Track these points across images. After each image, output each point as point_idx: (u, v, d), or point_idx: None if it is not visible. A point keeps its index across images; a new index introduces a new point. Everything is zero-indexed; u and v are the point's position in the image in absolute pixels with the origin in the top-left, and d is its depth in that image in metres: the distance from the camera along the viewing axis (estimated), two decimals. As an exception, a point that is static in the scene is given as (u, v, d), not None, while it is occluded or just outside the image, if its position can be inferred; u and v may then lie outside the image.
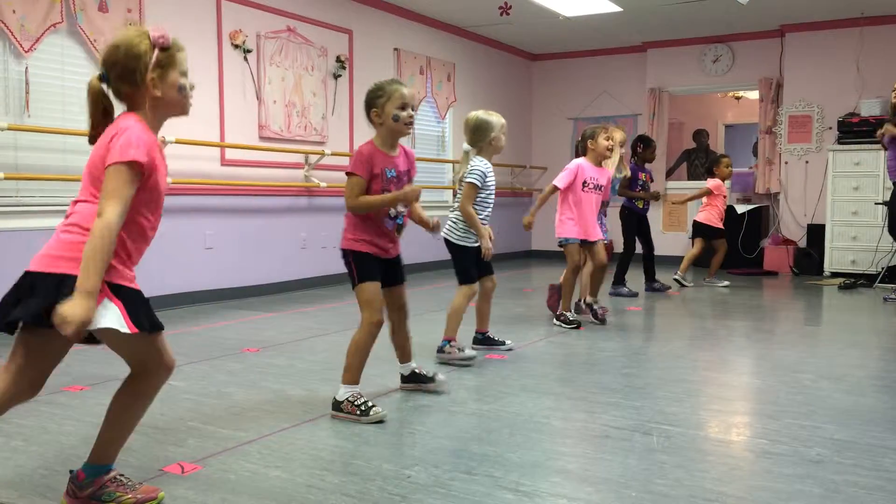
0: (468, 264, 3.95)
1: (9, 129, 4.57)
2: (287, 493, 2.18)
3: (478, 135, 3.95)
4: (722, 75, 9.28)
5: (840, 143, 8.00)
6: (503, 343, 4.20)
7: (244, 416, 2.93)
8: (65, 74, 5.05)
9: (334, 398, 2.96)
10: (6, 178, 4.58)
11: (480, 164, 3.94)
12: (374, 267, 2.99)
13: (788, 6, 7.85)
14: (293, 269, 6.76)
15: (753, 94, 10.04)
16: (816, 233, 8.26)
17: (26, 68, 4.81)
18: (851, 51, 8.34)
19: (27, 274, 1.95)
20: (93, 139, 2.05)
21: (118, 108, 2.08)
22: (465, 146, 4.01)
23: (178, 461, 2.44)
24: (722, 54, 9.22)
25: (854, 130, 7.90)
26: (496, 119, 3.96)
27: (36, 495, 2.16)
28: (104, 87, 2.04)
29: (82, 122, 5.12)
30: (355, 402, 2.90)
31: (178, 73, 2.06)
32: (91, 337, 2.00)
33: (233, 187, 6.05)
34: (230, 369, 3.74)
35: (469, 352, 3.92)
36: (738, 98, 11.25)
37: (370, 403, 2.90)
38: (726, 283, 7.29)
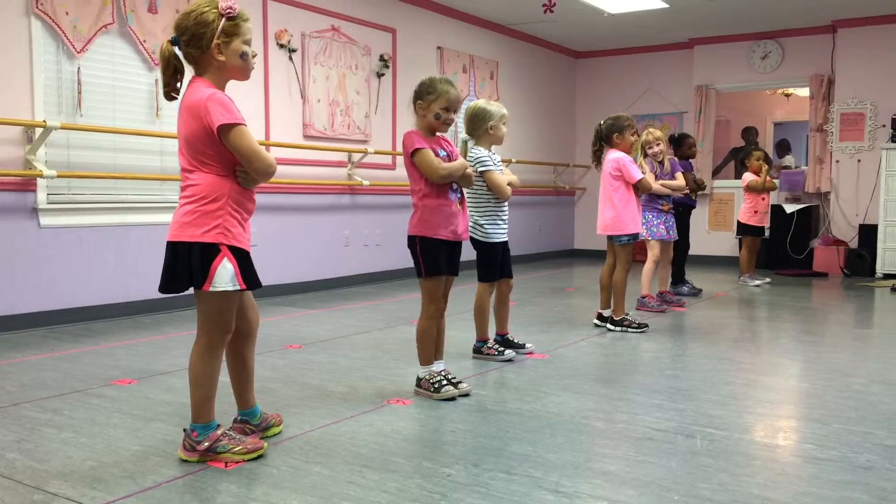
0: (491, 262, 3.93)
1: (62, 128, 4.68)
2: (328, 489, 2.20)
3: (474, 123, 3.85)
4: (771, 72, 9.10)
5: (894, 141, 7.79)
6: (523, 346, 4.09)
7: (286, 411, 2.95)
8: (115, 74, 5.15)
9: (417, 376, 3.28)
10: (59, 176, 4.70)
11: (479, 152, 3.84)
12: (440, 261, 3.19)
13: (840, 1, 7.66)
14: (336, 267, 6.81)
15: (804, 92, 9.82)
16: (868, 233, 8.06)
17: (78, 68, 4.92)
18: (906, 46, 8.12)
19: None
20: (167, 95, 2.32)
21: (188, 71, 2.33)
22: (464, 136, 3.90)
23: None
24: (771, 51, 9.04)
25: (909, 128, 7.69)
26: (495, 108, 3.85)
27: (85, 486, 2.21)
28: (175, 50, 2.29)
29: (133, 121, 5.24)
30: (430, 380, 3.21)
31: (242, 42, 2.30)
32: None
33: (276, 185, 6.12)
34: (273, 365, 3.78)
35: (508, 353, 3.92)
36: (787, 95, 11.02)
37: (443, 382, 3.20)
38: (757, 282, 7.17)
